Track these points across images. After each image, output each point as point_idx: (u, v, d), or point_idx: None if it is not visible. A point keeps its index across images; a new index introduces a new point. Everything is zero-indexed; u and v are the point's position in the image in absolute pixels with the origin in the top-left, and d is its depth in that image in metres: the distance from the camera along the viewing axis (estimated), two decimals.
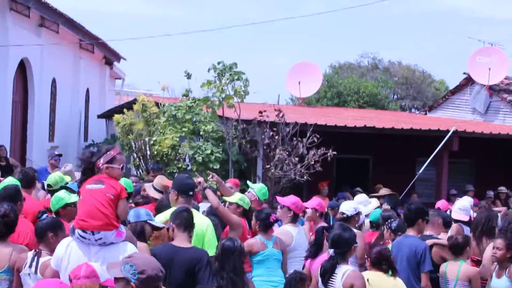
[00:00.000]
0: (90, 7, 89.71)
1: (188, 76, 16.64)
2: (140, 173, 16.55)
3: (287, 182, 14.92)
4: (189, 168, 15.07)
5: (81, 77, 24.36)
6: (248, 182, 10.64)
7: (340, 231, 6.50)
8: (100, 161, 5.70)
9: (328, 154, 14.82)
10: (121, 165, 5.76)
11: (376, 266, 6.88)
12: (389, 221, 8.89)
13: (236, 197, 8.68)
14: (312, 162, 14.84)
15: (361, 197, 11.58)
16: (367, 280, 6.56)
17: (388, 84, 42.99)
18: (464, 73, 23.79)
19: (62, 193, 7.59)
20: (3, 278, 6.22)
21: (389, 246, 8.01)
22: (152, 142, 15.82)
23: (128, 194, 8.32)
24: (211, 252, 6.81)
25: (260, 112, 15.54)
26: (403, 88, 44.92)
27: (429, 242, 8.30)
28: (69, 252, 5.67)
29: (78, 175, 8.59)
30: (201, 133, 15.81)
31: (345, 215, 8.91)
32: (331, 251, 6.40)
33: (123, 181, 8.33)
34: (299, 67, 23.46)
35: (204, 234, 7.02)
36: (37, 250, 6.23)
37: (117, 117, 17.04)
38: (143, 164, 16.77)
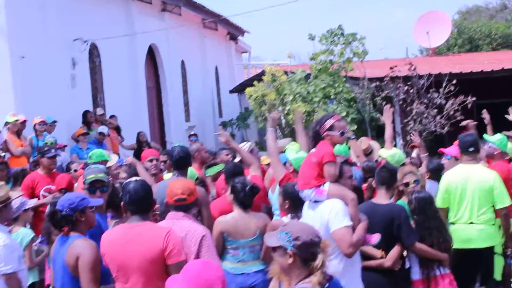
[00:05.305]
0: None
1: (312, 38, 16.51)
2: None
3: (428, 135, 14.61)
4: None
5: (208, 55, 24.69)
6: (484, 135, 10.05)
7: None
8: (322, 130, 6.03)
9: (467, 101, 14.42)
10: (341, 131, 6.02)
11: None
12: None
13: (389, 152, 8.79)
14: (452, 112, 14.50)
15: None
16: None
17: None
18: None
19: None
20: (256, 244, 6.69)
21: None
22: (286, 112, 15.81)
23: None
24: (502, 203, 7.09)
25: (391, 67, 15.32)
26: None
27: None
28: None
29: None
30: (331, 96, 15.67)
31: None
32: None
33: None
34: (426, 17, 22.86)
35: (492, 188, 7.19)
36: None
37: (248, 90, 17.15)
38: (280, 134, 16.83)
